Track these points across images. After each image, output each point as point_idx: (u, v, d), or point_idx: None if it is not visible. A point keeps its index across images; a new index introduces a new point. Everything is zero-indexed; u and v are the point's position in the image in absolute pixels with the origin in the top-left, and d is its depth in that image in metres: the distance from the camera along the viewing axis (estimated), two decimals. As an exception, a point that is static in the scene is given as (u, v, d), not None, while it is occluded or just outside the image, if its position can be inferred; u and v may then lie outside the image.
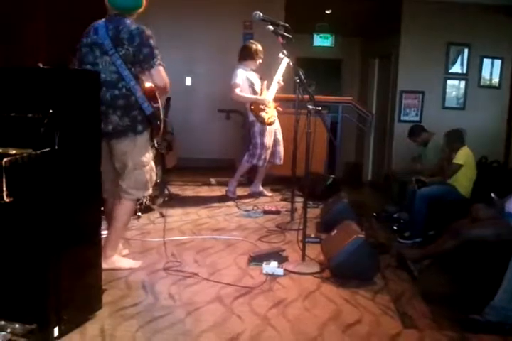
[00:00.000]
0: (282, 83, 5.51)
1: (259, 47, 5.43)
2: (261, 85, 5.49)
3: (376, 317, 2.76)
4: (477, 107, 7.05)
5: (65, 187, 2.29)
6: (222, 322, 2.60)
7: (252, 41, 5.56)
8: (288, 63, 4.89)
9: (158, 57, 3.01)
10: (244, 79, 5.39)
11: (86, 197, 2.48)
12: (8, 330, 2.23)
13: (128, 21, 3.02)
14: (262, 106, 5.37)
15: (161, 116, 3.13)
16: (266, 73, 5.59)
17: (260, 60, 5.49)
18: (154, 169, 3.25)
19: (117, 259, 3.26)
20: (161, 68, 3.02)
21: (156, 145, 3.25)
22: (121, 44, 2.95)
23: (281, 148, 5.64)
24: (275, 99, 5.55)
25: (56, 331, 2.28)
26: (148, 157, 3.17)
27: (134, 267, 3.29)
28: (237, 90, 5.33)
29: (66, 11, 5.04)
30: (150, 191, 3.32)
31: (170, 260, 3.45)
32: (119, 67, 2.95)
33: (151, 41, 3.00)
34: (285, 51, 4.12)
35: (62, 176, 2.28)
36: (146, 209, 4.66)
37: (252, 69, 5.48)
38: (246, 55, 5.44)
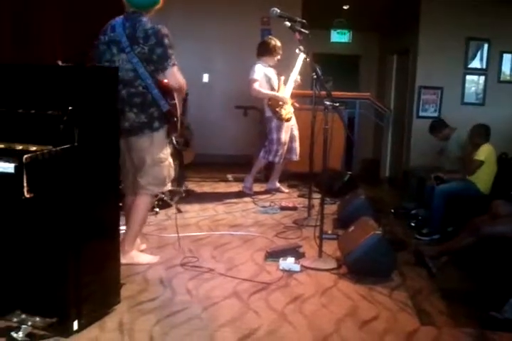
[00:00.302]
0: (299, 81, 5.50)
1: (278, 43, 5.40)
2: (278, 81, 5.48)
3: (393, 314, 2.75)
4: (497, 103, 6.95)
5: (84, 183, 2.32)
6: (239, 318, 2.61)
7: (270, 37, 5.53)
8: (305, 59, 4.86)
9: (172, 57, 3.00)
10: (263, 75, 5.38)
11: (105, 192, 2.51)
12: (29, 324, 2.28)
13: (144, 19, 3.02)
14: (280, 103, 5.36)
15: (178, 113, 3.15)
16: (283, 69, 5.57)
17: (279, 57, 5.47)
18: (172, 165, 3.27)
19: (135, 254, 3.30)
20: (175, 69, 3.02)
21: (174, 141, 3.27)
22: (136, 42, 2.97)
23: (297, 144, 5.63)
24: (292, 95, 5.54)
25: (76, 325, 2.32)
26: (166, 153, 3.19)
27: (152, 262, 3.32)
28: (256, 85, 5.32)
29: (82, 10, 5.09)
30: (168, 187, 3.35)
31: (187, 255, 3.48)
32: (136, 65, 2.97)
33: (166, 41, 2.99)
34: (302, 47, 4.12)
35: (82, 172, 2.31)
36: (164, 205, 4.69)
37: (270, 65, 5.47)
38: (264, 51, 5.43)
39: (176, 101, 3.13)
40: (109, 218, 2.58)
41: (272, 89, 5.41)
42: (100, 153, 2.45)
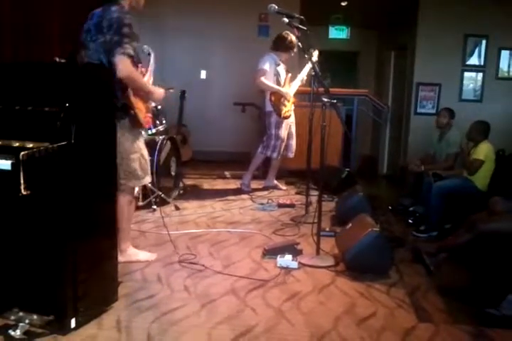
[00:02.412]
0: (305, 81, 5.47)
1: (294, 39, 5.25)
2: (285, 77, 5.44)
3: (391, 311, 2.75)
4: (494, 99, 6.94)
5: (81, 180, 2.32)
6: (237, 315, 2.61)
7: (287, 32, 5.30)
8: (316, 60, 4.85)
9: (125, 46, 2.84)
10: (272, 68, 5.34)
11: (101, 189, 2.51)
12: (27, 321, 2.27)
13: (113, 8, 2.92)
14: (282, 99, 5.33)
15: (134, 106, 3.00)
16: (289, 66, 5.57)
17: (293, 54, 5.43)
18: (146, 157, 3.20)
19: (133, 252, 3.30)
20: (122, 58, 2.84)
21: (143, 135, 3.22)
22: (101, 32, 2.90)
23: (293, 142, 5.61)
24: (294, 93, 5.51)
25: (73, 322, 2.31)
26: (136, 146, 3.11)
27: (151, 259, 3.32)
28: (263, 77, 5.28)
29: (81, 6, 5.08)
30: (146, 181, 3.26)
31: (185, 253, 3.48)
32: (100, 54, 2.91)
33: (125, 30, 2.85)
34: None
35: (79, 169, 2.30)
36: (162, 202, 4.68)
37: (281, 60, 5.43)
38: (280, 45, 5.36)
39: (131, 93, 2.98)
40: (106, 215, 2.58)
41: (278, 84, 5.37)
42: (97, 149, 2.45)
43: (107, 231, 2.58)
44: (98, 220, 2.49)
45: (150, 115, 3.25)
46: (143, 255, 3.34)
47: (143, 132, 3.36)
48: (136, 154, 3.12)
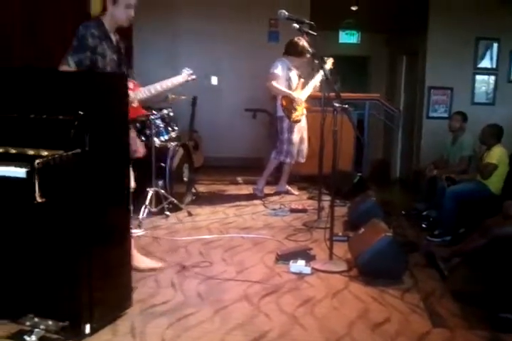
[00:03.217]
0: (318, 87, 5.48)
1: (306, 44, 5.20)
2: (298, 82, 5.46)
3: (405, 316, 2.74)
4: (507, 102, 6.90)
5: (95, 188, 2.34)
6: (250, 321, 2.62)
7: (300, 37, 5.26)
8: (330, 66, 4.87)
9: (68, 57, 2.94)
10: (284, 72, 5.35)
11: (115, 197, 2.53)
12: (42, 327, 2.29)
13: (82, 23, 3.03)
14: (293, 103, 5.34)
15: None
16: (302, 71, 5.59)
17: (305, 59, 5.44)
18: None
19: (138, 259, 3.24)
20: (62, 68, 2.92)
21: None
22: None
23: (305, 147, 5.61)
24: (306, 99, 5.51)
25: (88, 328, 2.33)
26: None
27: (155, 267, 3.27)
28: (275, 81, 5.29)
29: (87, 13, 5.12)
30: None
31: (198, 259, 3.50)
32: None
33: (74, 42, 2.96)
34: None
35: (93, 177, 2.32)
36: (174, 208, 4.70)
37: (293, 66, 5.45)
38: (292, 51, 5.36)
39: None
40: (120, 222, 2.60)
41: (289, 88, 5.38)
42: (110, 157, 2.47)
43: (120, 238, 2.60)
44: (112, 227, 2.51)
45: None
46: (148, 262, 3.29)
47: None
48: None
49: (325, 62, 3.74)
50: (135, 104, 3.37)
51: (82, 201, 2.28)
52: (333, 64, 5.11)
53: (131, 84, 3.28)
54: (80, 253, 2.30)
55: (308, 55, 5.35)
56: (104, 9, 3.14)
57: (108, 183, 2.46)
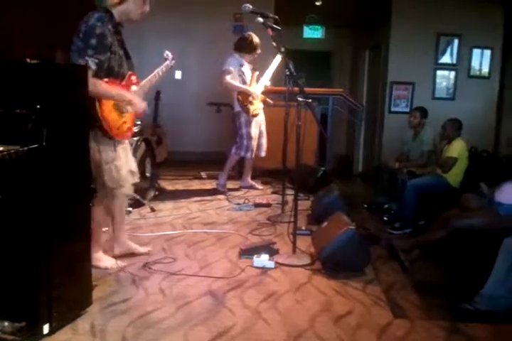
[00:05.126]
0: (269, 84, 5.49)
1: (258, 40, 5.32)
2: (251, 76, 5.45)
3: (367, 308, 2.77)
4: (467, 97, 7.05)
5: (53, 183, 2.28)
6: (213, 316, 2.60)
7: (250, 33, 5.40)
8: (281, 59, 4.85)
9: (87, 58, 2.78)
10: (236, 68, 5.35)
11: (75, 192, 2.46)
12: (-3, 328, 2.22)
13: (96, 15, 2.87)
14: (249, 98, 5.34)
15: (99, 115, 2.87)
16: (256, 64, 5.57)
17: (256, 55, 5.44)
18: (120, 168, 3.07)
19: (98, 257, 3.17)
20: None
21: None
22: (78, 37, 2.84)
23: (265, 140, 5.63)
24: (265, 92, 5.53)
25: (46, 328, 2.27)
26: (106, 158, 2.99)
27: (111, 267, 3.18)
28: (228, 77, 5.30)
29: (56, 7, 4.99)
30: (120, 192, 3.16)
31: (161, 255, 3.46)
32: (74, 60, 2.85)
33: (93, 41, 2.80)
34: (274, 43, 4.06)
35: (51, 172, 2.26)
36: (137, 204, 4.63)
37: (245, 60, 5.44)
38: (243, 46, 5.39)
39: (98, 104, 2.86)
40: (80, 218, 2.54)
41: (244, 83, 5.39)
42: (69, 153, 2.41)
43: (80, 234, 2.54)
44: (72, 223, 2.45)
45: (128, 126, 3.12)
46: (105, 261, 3.21)
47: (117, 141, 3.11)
48: (106, 165, 2.99)
49: (286, 56, 3.72)
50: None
51: (40, 197, 2.22)
52: (285, 52, 5.11)
53: (135, 79, 3.18)
54: (37, 250, 2.23)
55: (259, 51, 5.37)
56: (121, 1, 2.98)
57: (67, 179, 2.39)
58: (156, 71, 3.43)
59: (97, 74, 2.85)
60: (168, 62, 3.57)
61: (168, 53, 3.61)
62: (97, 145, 2.94)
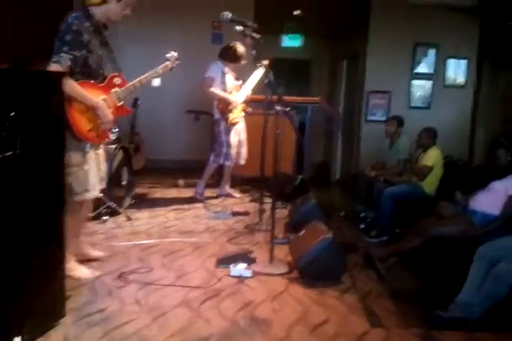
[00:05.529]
0: (250, 93, 5.50)
1: (242, 51, 5.32)
2: (233, 85, 5.44)
3: (343, 317, 2.78)
4: (442, 107, 7.16)
5: (27, 192, 2.24)
6: (189, 327, 2.58)
7: (235, 42, 5.37)
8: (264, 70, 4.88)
9: (62, 54, 2.77)
10: (218, 75, 5.35)
11: (49, 201, 2.43)
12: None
13: (74, 14, 2.88)
14: (229, 106, 5.34)
15: (67, 116, 2.81)
16: (239, 73, 5.58)
17: (240, 65, 5.44)
18: (88, 170, 3.01)
19: (72, 267, 3.11)
20: (53, 66, 2.76)
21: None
22: (57, 36, 2.84)
23: (244, 149, 5.63)
24: (244, 100, 5.53)
25: (18, 341, 2.22)
26: (74, 160, 2.93)
27: (87, 277, 3.13)
28: (210, 84, 5.28)
29: (35, 11, 4.92)
30: (84, 196, 3.08)
31: (137, 265, 3.42)
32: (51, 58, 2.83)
33: (68, 37, 2.79)
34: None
35: (24, 180, 2.22)
36: (113, 213, 4.58)
37: (229, 69, 5.44)
38: (227, 55, 5.38)
39: (68, 105, 2.83)
40: (53, 227, 2.49)
41: (224, 92, 5.39)
42: (44, 160, 2.37)
43: (54, 244, 2.49)
44: (45, 233, 2.41)
45: (97, 131, 3.02)
46: (80, 272, 3.16)
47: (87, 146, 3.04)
48: (72, 168, 2.93)
49: (263, 64, 3.73)
50: (119, 103, 3.15)
51: (13, 206, 2.17)
52: (269, 64, 5.13)
53: (119, 80, 3.12)
54: (9, 260, 2.18)
55: (243, 61, 5.38)
56: (102, 1, 2.97)
57: (41, 187, 2.35)
58: (148, 73, 3.34)
59: (73, 71, 2.83)
60: (168, 62, 3.45)
61: (173, 53, 3.51)
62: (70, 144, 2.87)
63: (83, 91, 2.91)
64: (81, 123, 2.93)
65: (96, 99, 2.98)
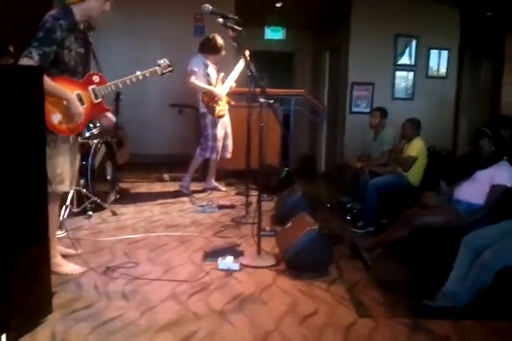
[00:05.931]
0: (234, 85, 5.48)
1: (222, 42, 5.31)
2: (217, 78, 5.42)
3: (331, 308, 2.79)
4: (425, 97, 7.22)
5: (7, 189, 2.20)
6: (178, 320, 2.56)
7: (214, 34, 5.36)
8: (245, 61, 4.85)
9: (31, 49, 2.77)
10: (201, 68, 5.32)
11: (31, 198, 2.39)
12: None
13: (52, 12, 2.89)
14: (214, 99, 5.31)
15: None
16: (221, 65, 5.55)
17: (220, 57, 5.42)
18: (57, 165, 2.97)
19: (58, 262, 3.10)
20: (23, 60, 2.76)
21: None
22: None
23: (230, 142, 5.62)
24: (228, 93, 5.51)
25: (4, 339, 2.19)
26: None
27: (75, 273, 3.11)
28: (193, 78, 5.26)
29: (14, 11, 4.83)
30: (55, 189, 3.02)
31: (123, 260, 3.39)
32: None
33: (40, 33, 2.81)
34: (235, 44, 4.03)
35: (6, 176, 2.19)
36: (98, 208, 4.54)
37: (210, 62, 5.41)
38: (207, 48, 5.36)
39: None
40: (37, 224, 2.46)
41: (209, 84, 5.35)
42: (25, 155, 2.33)
43: (38, 240, 2.46)
44: (28, 229, 2.37)
45: (67, 124, 2.96)
46: (67, 267, 3.13)
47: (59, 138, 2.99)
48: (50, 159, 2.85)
49: (247, 58, 3.71)
50: (97, 100, 3.12)
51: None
52: (250, 55, 5.11)
53: (97, 78, 3.10)
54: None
55: (223, 52, 5.35)
56: None
57: (22, 184, 2.31)
58: (133, 75, 3.31)
59: (42, 67, 2.77)
60: (157, 68, 3.50)
61: (165, 60, 3.58)
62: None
63: (54, 84, 2.88)
64: (51, 114, 2.89)
65: (67, 92, 2.95)
